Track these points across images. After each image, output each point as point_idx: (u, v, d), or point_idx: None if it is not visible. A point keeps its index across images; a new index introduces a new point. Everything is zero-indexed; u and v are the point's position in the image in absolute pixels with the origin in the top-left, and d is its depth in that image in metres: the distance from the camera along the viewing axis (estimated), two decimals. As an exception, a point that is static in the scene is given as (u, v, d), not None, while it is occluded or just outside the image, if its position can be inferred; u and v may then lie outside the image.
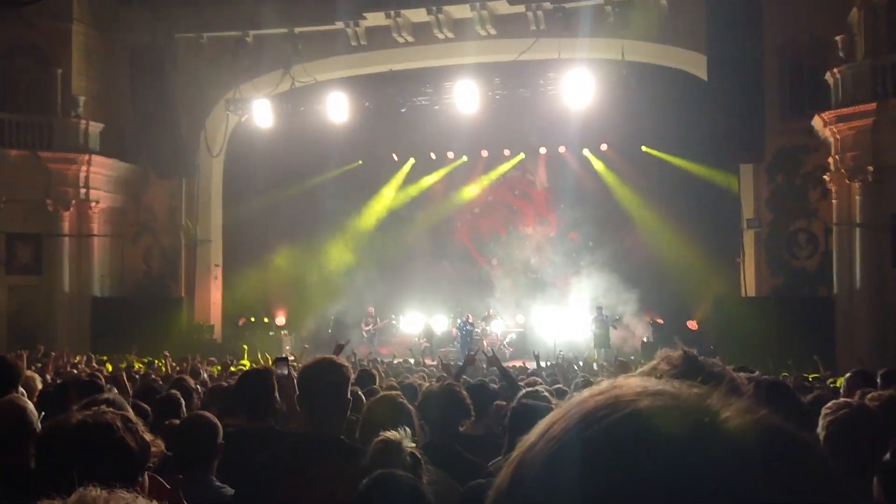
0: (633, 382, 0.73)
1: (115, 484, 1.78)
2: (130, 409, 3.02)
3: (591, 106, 20.65)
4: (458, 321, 23.79)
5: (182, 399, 5.32)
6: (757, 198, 20.30)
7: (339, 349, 8.57)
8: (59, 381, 7.40)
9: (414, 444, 3.09)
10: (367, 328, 24.09)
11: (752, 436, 0.66)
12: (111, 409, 2.18)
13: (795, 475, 0.65)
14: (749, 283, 20.31)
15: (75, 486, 1.40)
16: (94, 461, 1.85)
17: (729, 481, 0.62)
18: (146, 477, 2.12)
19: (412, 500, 2.62)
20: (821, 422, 3.12)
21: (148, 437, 2.14)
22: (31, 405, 3.35)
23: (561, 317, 24.54)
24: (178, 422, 4.47)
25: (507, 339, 24.49)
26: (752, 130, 18.58)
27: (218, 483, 3.74)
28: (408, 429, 3.11)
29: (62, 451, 1.88)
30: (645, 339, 22.15)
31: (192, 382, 6.99)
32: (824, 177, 18.77)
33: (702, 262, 21.73)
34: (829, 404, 3.25)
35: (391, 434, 3.03)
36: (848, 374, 6.34)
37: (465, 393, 4.89)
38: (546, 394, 5.39)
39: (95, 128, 22.27)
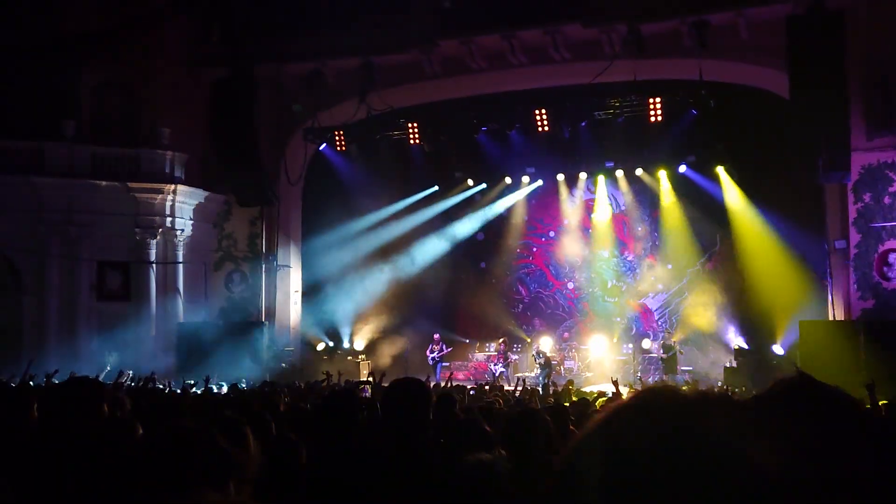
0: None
1: (205, 486, 1.83)
2: (249, 429, 3.09)
3: (669, 127, 20.41)
4: (534, 347, 23.62)
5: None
6: (843, 218, 19.65)
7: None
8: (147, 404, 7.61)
9: (508, 466, 3.08)
10: (433, 354, 23.99)
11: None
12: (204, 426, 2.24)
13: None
14: (837, 307, 19.61)
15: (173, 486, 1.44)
16: (187, 464, 1.90)
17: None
18: (232, 485, 2.15)
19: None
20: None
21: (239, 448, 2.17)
22: (139, 426, 3.45)
23: (640, 341, 24.19)
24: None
25: (585, 364, 24.21)
26: (837, 148, 18.01)
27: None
28: (502, 451, 3.10)
29: (160, 453, 1.93)
30: (728, 364, 21.60)
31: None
32: (916, 195, 18.08)
33: (787, 284, 21.08)
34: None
35: (484, 455, 3.02)
36: None
37: (546, 417, 4.84)
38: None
39: (180, 159, 23.01)
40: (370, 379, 14.13)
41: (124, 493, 1.93)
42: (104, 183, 21.94)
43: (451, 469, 3.11)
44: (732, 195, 23.12)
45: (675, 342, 21.58)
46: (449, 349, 24.38)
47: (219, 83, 22.94)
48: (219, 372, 18.96)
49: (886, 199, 19.13)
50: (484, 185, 26.62)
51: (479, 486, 2.75)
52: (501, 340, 24.59)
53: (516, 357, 24.68)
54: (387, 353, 24.69)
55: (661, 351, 21.49)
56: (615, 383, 13.43)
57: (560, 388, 15.44)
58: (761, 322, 21.93)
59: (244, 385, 15.89)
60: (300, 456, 3.99)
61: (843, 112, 17.95)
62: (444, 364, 23.96)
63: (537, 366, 22.48)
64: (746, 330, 22.50)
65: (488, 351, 25.37)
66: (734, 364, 21.31)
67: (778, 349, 21.14)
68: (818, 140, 17.87)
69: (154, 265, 22.61)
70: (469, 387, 14.68)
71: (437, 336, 24.33)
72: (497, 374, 22.70)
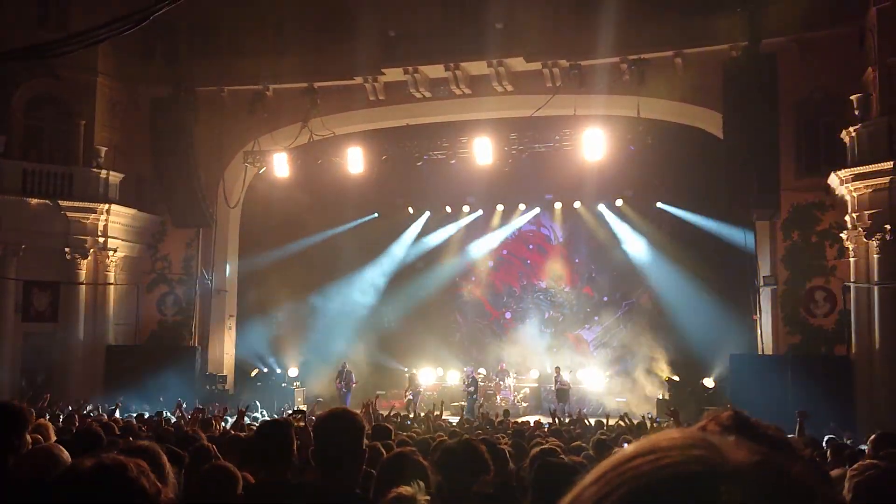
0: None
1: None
2: (165, 457, 3.00)
3: (607, 162, 20.76)
4: (465, 374, 23.58)
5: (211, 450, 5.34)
6: (772, 255, 20.19)
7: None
8: (74, 430, 7.37)
9: (428, 498, 3.05)
10: (340, 384, 23.16)
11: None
12: (121, 457, 2.17)
13: None
14: (765, 341, 20.09)
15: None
16: (111, 502, 1.84)
17: None
18: None
19: None
20: (846, 483, 3.07)
21: (158, 484, 2.12)
22: (66, 453, 3.33)
23: (576, 372, 24.36)
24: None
25: (521, 394, 24.26)
26: (767, 188, 18.56)
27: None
28: (421, 483, 3.07)
29: (79, 493, 1.86)
30: (660, 397, 21.91)
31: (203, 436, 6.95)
32: (841, 235, 18.66)
33: (717, 319, 21.55)
34: (856, 466, 3.20)
35: (404, 489, 2.99)
36: (873, 436, 6.25)
37: (483, 447, 4.82)
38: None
39: (115, 178, 22.48)
40: (303, 408, 13.95)
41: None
42: (34, 200, 21.29)
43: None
44: (667, 230, 23.62)
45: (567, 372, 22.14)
46: (355, 382, 23.35)
47: (159, 102, 22.64)
48: (148, 397, 18.52)
49: (814, 238, 19.71)
50: (424, 214, 26.69)
51: None
52: (439, 369, 24.49)
53: (452, 385, 24.58)
54: (322, 381, 24.37)
55: (557, 382, 22.09)
56: (553, 413, 13.57)
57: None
58: (693, 354, 22.33)
59: (169, 413, 15.41)
60: (236, 486, 3.91)
61: (773, 152, 18.52)
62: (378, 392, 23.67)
63: (466, 393, 22.50)
64: (679, 362, 22.87)
65: (426, 379, 25.22)
66: (666, 396, 21.63)
67: (709, 382, 21.54)
68: (749, 179, 18.38)
69: (84, 286, 21.98)
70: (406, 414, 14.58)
71: (345, 363, 23.88)
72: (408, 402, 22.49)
